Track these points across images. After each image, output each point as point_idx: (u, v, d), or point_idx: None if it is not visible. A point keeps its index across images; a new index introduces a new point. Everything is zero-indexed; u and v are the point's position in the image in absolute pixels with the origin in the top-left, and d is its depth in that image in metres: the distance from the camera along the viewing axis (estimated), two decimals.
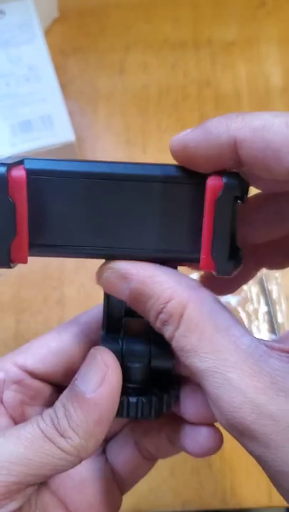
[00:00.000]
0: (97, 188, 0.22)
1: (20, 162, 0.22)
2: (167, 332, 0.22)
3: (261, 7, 0.62)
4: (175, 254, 0.23)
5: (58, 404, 0.23)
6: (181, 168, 0.22)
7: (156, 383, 0.26)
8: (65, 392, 0.24)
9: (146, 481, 0.42)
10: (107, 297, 0.26)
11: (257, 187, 0.25)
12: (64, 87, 0.54)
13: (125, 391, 0.24)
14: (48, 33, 0.59)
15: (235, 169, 0.22)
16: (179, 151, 0.22)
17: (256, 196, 0.27)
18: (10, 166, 0.21)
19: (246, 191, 0.22)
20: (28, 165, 0.22)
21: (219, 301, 0.22)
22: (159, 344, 0.25)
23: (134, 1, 0.62)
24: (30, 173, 0.21)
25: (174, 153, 0.22)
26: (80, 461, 0.23)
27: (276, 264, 0.29)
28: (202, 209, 0.22)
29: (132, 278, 0.22)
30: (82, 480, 0.28)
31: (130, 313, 0.25)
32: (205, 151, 0.21)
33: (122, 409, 0.25)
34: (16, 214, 0.21)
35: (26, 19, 0.53)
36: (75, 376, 0.24)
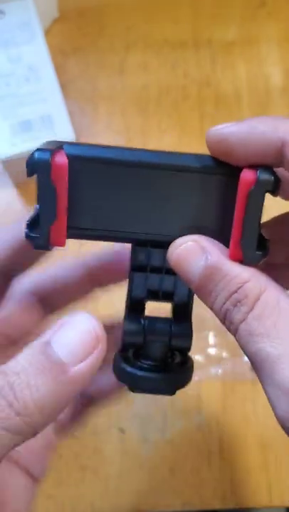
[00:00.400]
0: (133, 176, 0.23)
1: (60, 147, 0.23)
2: (238, 314, 0.21)
3: (261, 7, 0.62)
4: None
5: (18, 366, 0.20)
6: (215, 159, 0.23)
7: (173, 360, 0.27)
8: (30, 352, 0.21)
9: (146, 481, 0.43)
10: (132, 278, 0.26)
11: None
12: (64, 87, 0.54)
13: (142, 366, 0.25)
14: (48, 32, 0.59)
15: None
16: (217, 142, 0.22)
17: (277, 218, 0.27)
18: (53, 152, 0.22)
19: (278, 186, 0.22)
20: (69, 150, 0.22)
21: None
22: (180, 325, 0.26)
23: (134, 1, 0.62)
24: (71, 158, 0.22)
25: (211, 144, 0.23)
26: (34, 436, 0.20)
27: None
28: (234, 200, 0.22)
29: (213, 253, 0.22)
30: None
31: (153, 294, 0.26)
32: (246, 147, 0.21)
33: (140, 384, 0.25)
34: (57, 198, 0.22)
35: (26, 19, 0.53)
36: (47, 335, 0.21)
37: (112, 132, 0.56)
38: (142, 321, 0.26)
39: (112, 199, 0.23)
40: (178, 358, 0.27)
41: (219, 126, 0.22)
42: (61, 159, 0.22)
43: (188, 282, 0.22)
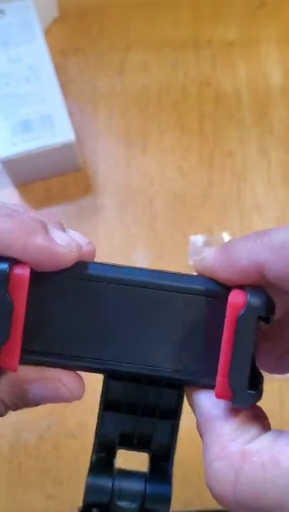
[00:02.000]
0: (107, 294, 0.20)
1: None
2: None
3: (261, 7, 0.62)
4: (188, 377, 0.20)
5: None
6: (201, 278, 0.21)
7: None
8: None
9: None
10: (102, 418, 0.23)
11: None
12: (64, 87, 0.54)
13: None
14: (47, 32, 0.59)
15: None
16: (203, 271, 0.21)
17: None
18: (13, 263, 0.19)
19: (272, 310, 0.20)
20: None
21: None
22: (157, 484, 0.22)
23: (134, 1, 0.62)
24: (34, 271, 0.19)
25: (199, 272, 0.22)
26: None
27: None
28: (222, 327, 0.19)
29: None
30: None
31: (126, 440, 0.23)
32: (229, 274, 0.20)
33: None
34: (12, 315, 0.19)
35: (26, 19, 0.53)
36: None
37: (112, 132, 0.56)
38: (111, 476, 0.22)
39: (80, 320, 0.20)
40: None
41: (203, 257, 0.21)
42: (22, 271, 0.19)
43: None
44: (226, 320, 0.19)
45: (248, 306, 0.19)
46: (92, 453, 0.23)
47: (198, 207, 0.53)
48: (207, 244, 0.51)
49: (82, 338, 0.20)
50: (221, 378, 0.19)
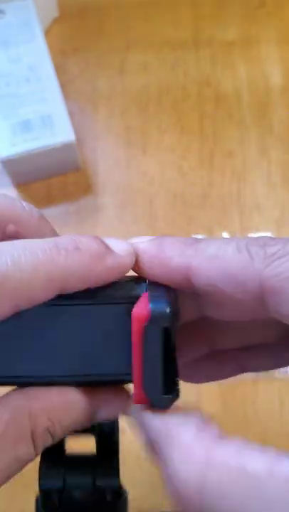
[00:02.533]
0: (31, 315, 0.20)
1: None
2: None
3: (261, 7, 0.62)
4: (106, 378, 0.21)
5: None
6: (109, 286, 0.20)
7: (103, 498, 0.25)
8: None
9: (147, 482, 0.42)
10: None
11: (216, 315, 0.23)
12: (64, 87, 0.54)
13: None
14: (47, 32, 0.59)
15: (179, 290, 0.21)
16: (129, 256, 0.21)
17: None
18: None
19: (177, 318, 0.20)
20: None
21: None
22: (104, 462, 0.24)
23: (134, 1, 0.62)
24: None
25: (123, 259, 0.21)
26: None
27: (261, 368, 0.27)
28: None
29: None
30: None
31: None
32: (156, 269, 0.20)
33: None
34: None
35: (26, 19, 0.53)
36: None
37: (112, 132, 0.56)
38: (61, 462, 0.24)
39: (12, 342, 0.20)
40: (109, 495, 0.25)
41: (134, 240, 0.21)
42: None
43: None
44: (132, 332, 0.19)
45: (152, 319, 0.19)
46: None
47: (198, 207, 0.53)
48: None
49: (16, 357, 0.20)
50: (136, 385, 0.20)
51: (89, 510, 0.24)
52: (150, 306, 0.19)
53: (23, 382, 0.21)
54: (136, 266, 0.21)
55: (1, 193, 0.22)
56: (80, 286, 0.19)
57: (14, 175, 0.53)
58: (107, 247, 0.20)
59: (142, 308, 0.19)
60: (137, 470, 0.43)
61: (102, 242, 0.20)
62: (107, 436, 0.25)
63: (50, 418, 0.20)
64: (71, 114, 0.51)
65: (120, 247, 0.20)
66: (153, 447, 0.20)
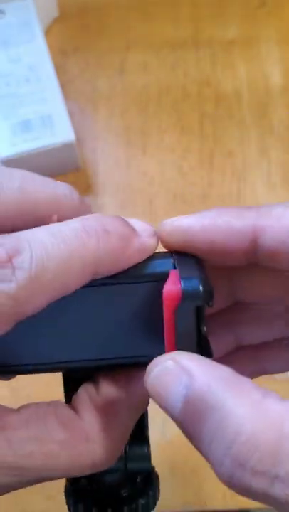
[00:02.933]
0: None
1: None
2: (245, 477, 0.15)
3: (261, 7, 0.62)
4: (137, 359, 0.20)
5: None
6: (140, 266, 0.20)
7: (134, 481, 0.24)
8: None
9: None
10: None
11: (252, 295, 0.23)
12: (64, 87, 0.54)
13: (105, 501, 0.23)
14: (47, 32, 0.59)
15: (238, 263, 0.20)
16: (176, 235, 0.20)
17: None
18: None
19: (211, 297, 0.19)
20: None
21: None
22: (135, 445, 0.23)
23: (134, 1, 0.62)
24: None
25: (168, 237, 0.20)
26: None
27: (280, 369, 0.25)
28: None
29: (197, 376, 0.16)
30: None
31: None
32: (211, 241, 0.19)
33: None
34: None
35: (26, 19, 0.53)
36: None
37: (112, 132, 0.56)
38: None
39: (41, 326, 0.20)
40: (139, 477, 0.24)
41: (177, 218, 0.20)
42: None
43: (171, 418, 0.17)
44: (164, 312, 0.19)
45: (185, 297, 0.18)
46: None
47: (199, 207, 0.53)
48: None
49: (24, 342, 0.20)
50: None
51: (120, 495, 0.23)
52: (182, 284, 0.18)
53: (56, 368, 0.21)
54: (182, 245, 0.20)
55: (47, 179, 0.21)
56: (112, 269, 0.19)
57: None
58: (133, 229, 0.20)
59: (173, 286, 0.18)
60: None
61: (128, 224, 0.20)
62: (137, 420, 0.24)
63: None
64: (71, 114, 0.51)
65: (144, 228, 0.20)
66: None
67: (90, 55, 0.59)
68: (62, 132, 0.50)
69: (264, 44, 0.60)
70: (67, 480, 0.24)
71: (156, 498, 0.24)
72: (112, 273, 0.19)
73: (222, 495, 0.42)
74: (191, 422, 0.16)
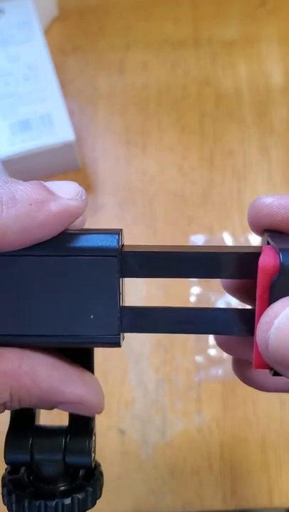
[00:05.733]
0: (17, 265, 0.19)
1: None
2: None
3: (261, 6, 0.62)
4: (92, 340, 0.20)
5: None
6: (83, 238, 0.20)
7: (75, 475, 0.23)
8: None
9: (146, 482, 0.42)
10: None
11: None
12: (64, 86, 0.54)
13: (40, 493, 0.22)
14: (47, 31, 0.59)
15: None
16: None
17: None
18: None
19: None
20: None
21: None
22: (77, 437, 0.23)
23: (134, 0, 0.62)
24: None
25: (256, 216, 0.20)
26: None
27: None
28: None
29: None
30: None
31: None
32: None
33: None
34: None
35: (26, 18, 0.52)
36: None
37: (112, 132, 0.56)
38: (30, 432, 0.23)
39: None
40: (82, 472, 0.24)
41: (266, 198, 0.20)
42: None
43: None
44: (258, 286, 0.18)
45: (282, 270, 0.18)
46: (11, 412, 0.23)
47: (199, 206, 0.53)
48: (207, 244, 0.50)
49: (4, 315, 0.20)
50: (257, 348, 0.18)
51: (56, 488, 0.22)
52: (281, 257, 0.18)
53: (4, 341, 0.20)
54: (267, 227, 0.20)
55: (78, 190, 0.21)
56: (24, 237, 0.19)
57: (14, 174, 0.53)
58: (49, 192, 0.19)
59: (270, 259, 0.18)
60: (137, 471, 0.43)
61: (43, 188, 0.19)
62: None
63: (34, 379, 0.20)
64: (71, 114, 0.51)
65: (67, 190, 0.20)
66: None
67: (89, 54, 0.59)
68: (61, 132, 0.49)
69: (264, 43, 0.59)
70: (6, 469, 0.24)
71: (96, 496, 0.23)
72: (29, 240, 0.19)
73: (222, 495, 0.42)
74: None
